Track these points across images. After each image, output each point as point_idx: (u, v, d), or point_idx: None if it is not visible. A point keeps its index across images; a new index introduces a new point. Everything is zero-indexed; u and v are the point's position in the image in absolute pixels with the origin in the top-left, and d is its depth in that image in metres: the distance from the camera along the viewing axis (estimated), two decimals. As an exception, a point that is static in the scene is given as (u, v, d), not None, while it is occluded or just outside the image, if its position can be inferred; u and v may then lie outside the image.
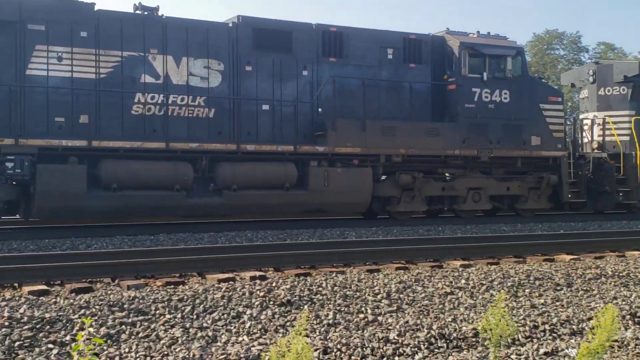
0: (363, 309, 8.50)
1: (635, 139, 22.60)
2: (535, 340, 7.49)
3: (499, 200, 21.74)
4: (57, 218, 16.89)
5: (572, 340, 7.60)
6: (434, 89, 20.56)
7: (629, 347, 7.60)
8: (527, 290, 9.97)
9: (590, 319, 8.10)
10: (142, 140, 16.58)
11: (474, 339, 7.24)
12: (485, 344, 6.26)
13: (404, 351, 6.87)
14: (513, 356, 6.70)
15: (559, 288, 10.34)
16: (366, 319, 8.00)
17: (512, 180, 21.24)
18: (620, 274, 11.40)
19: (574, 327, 8.18)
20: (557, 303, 9.26)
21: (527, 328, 7.78)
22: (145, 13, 17.21)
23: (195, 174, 17.04)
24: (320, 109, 18.77)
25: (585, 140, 24.39)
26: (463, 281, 10.30)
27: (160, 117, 17.03)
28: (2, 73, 15.43)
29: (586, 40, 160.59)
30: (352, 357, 6.60)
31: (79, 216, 16.78)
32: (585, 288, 10.39)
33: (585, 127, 24.52)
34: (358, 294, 9.28)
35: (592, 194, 22.61)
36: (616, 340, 7.75)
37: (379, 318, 8.08)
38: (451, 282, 10.18)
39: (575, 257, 13.17)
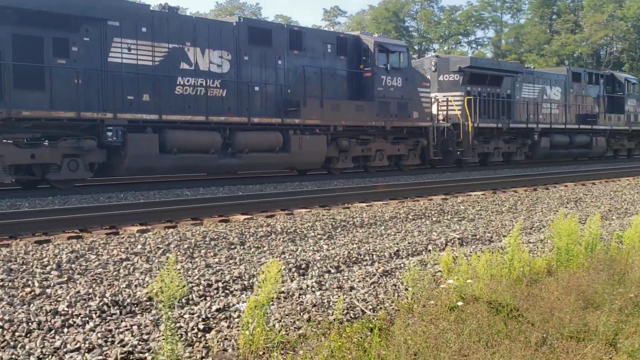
0: (30, 282, 7.82)
1: (467, 113, 30.34)
2: (208, 298, 7.66)
3: (390, 159, 28.49)
4: (139, 175, 21.88)
5: (243, 295, 7.94)
6: (353, 75, 26.91)
7: (294, 297, 8.22)
8: (202, 251, 10.17)
9: (259, 274, 8.52)
10: (187, 114, 21.24)
11: (148, 303, 7.13)
12: (159, 306, 6.18)
13: (74, 322, 6.48)
14: (186, 315, 6.76)
15: (232, 247, 10.75)
16: (33, 293, 7.38)
17: (400, 144, 28.49)
18: (288, 230, 12.29)
19: (245, 282, 8.58)
20: (231, 261, 9.61)
21: (201, 287, 7.92)
22: (168, 11, 21.50)
23: (221, 141, 21.82)
24: (289, 90, 24.33)
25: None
26: (139, 246, 10.11)
27: (193, 96, 21.70)
28: (91, 60, 19.22)
29: (266, 12, 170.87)
30: (17, 334, 6.02)
31: (153, 173, 21.87)
32: (257, 245, 10.97)
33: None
34: (24, 267, 8.53)
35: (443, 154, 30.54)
36: (282, 292, 8.32)
37: (48, 290, 7.51)
38: (127, 248, 9.92)
39: (249, 216, 13.83)
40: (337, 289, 8.71)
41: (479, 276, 7.79)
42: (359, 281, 9.11)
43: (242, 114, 22.59)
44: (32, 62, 17.87)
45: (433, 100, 30.62)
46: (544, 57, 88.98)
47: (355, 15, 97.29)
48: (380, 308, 7.92)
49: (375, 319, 7.42)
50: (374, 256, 10.53)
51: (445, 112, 31.02)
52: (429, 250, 11.10)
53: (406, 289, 8.33)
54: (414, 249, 11.19)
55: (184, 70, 21.58)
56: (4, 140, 17.57)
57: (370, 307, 8.02)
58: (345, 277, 9.27)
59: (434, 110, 30.53)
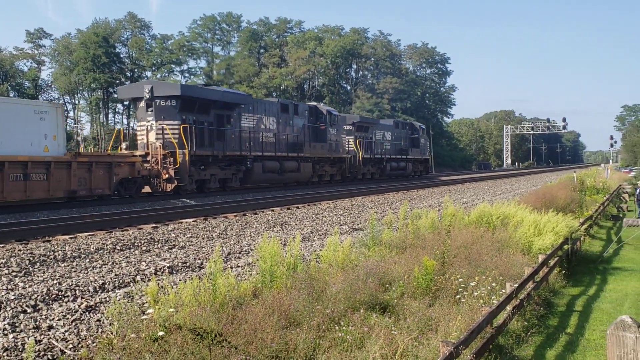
0: None
1: (184, 141, 29.76)
2: None
3: (331, 176, 45.91)
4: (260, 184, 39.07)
5: None
6: (316, 128, 42.93)
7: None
8: None
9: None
10: (269, 152, 36.97)
11: None
12: None
13: None
14: None
15: None
16: None
17: (334, 167, 46.02)
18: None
19: None
20: None
21: None
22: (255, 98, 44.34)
23: (279, 165, 38.05)
24: (297, 137, 40.47)
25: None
26: None
27: (267, 142, 37.13)
28: (236, 125, 34.40)
29: None
30: None
31: (261, 183, 38.89)
32: None
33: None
34: None
35: None
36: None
37: None
38: None
39: None
40: (33, 330, 7.96)
41: (186, 304, 7.72)
42: (59, 319, 8.44)
43: (283, 152, 38.51)
44: (221, 127, 32.94)
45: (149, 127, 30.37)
46: (254, 89, 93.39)
47: (61, 39, 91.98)
48: (82, 346, 7.41)
49: (76, 358, 6.92)
50: (77, 291, 9.87)
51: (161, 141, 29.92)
52: (137, 281, 10.73)
53: (110, 324, 7.93)
54: (121, 281, 10.73)
55: (263, 128, 36.82)
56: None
57: (70, 346, 7.46)
58: (44, 316, 8.52)
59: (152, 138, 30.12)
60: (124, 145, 32.55)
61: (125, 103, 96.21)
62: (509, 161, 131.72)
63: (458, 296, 9.65)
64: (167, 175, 28.89)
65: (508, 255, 12.81)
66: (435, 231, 14.63)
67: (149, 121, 30.15)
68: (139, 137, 31.06)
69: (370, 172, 50.79)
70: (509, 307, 9.24)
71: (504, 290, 9.71)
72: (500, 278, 10.40)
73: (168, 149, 29.36)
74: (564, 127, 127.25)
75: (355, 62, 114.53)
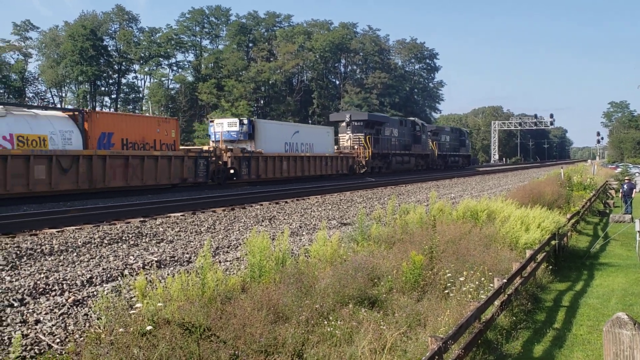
0: None
1: (367, 144, 51.61)
2: None
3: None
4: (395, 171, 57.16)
5: None
6: (414, 135, 62.03)
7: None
8: None
9: None
10: (396, 151, 58.11)
11: None
12: None
13: None
14: None
15: None
16: None
17: (422, 161, 65.43)
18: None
19: None
20: None
21: None
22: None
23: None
24: (406, 141, 60.24)
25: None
26: None
27: (394, 145, 57.48)
28: (383, 136, 54.76)
29: None
30: None
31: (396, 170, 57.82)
32: None
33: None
34: None
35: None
36: (-50, 333, 7.28)
37: None
38: None
39: None
40: (20, 324, 7.90)
41: (174, 298, 7.69)
42: (46, 313, 8.38)
43: (401, 150, 57.93)
44: (377, 136, 53.33)
45: (347, 138, 52.46)
46: (242, 83, 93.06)
47: (48, 31, 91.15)
48: (69, 340, 7.36)
49: (63, 352, 6.88)
50: (64, 285, 9.80)
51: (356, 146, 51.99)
52: (125, 276, 10.68)
53: (98, 318, 7.89)
54: (109, 275, 10.67)
55: (393, 136, 56.09)
56: None
57: (58, 340, 7.41)
58: (31, 310, 8.46)
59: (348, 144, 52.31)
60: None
61: (113, 96, 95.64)
62: (497, 157, 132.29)
63: (446, 291, 9.68)
64: (362, 163, 50.97)
65: (496, 250, 12.87)
66: (424, 226, 14.67)
67: (347, 134, 52.27)
68: (341, 142, 52.68)
69: (439, 164, 70.00)
70: (497, 302, 9.28)
71: (492, 285, 9.75)
72: (489, 273, 10.44)
73: (356, 150, 51.01)
74: (552, 123, 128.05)
75: (344, 57, 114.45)
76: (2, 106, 24.20)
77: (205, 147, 36.04)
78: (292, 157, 41.13)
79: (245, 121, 39.71)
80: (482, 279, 10.11)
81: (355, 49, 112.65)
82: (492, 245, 13.41)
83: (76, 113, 26.77)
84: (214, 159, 34.03)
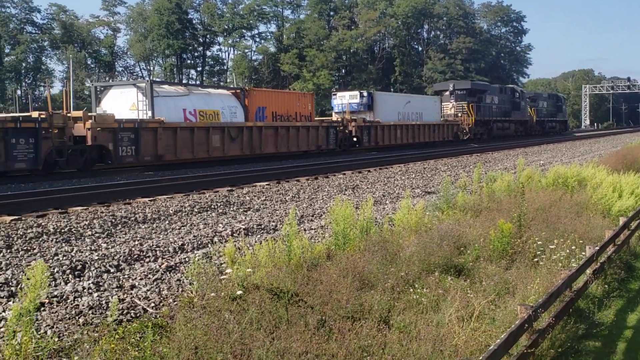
0: None
1: (470, 112, 53.81)
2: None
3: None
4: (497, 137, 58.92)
5: (11, 303, 7.23)
6: (513, 102, 63.97)
7: (68, 301, 7.67)
8: (-39, 258, 9.11)
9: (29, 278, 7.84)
10: (496, 117, 60.02)
11: None
12: None
13: None
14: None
15: (-2, 251, 9.77)
16: None
17: (518, 126, 66.31)
18: (62, 230, 11.47)
19: (12, 289, 7.84)
20: (-5, 267, 8.73)
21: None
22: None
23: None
24: (506, 107, 62.63)
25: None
26: None
27: (495, 112, 59.17)
28: (484, 102, 57.34)
29: (39, 1, 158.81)
30: None
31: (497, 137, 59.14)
32: (25, 248, 10.08)
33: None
34: None
35: None
36: (55, 296, 7.72)
37: None
38: None
39: (17, 217, 12.68)
40: (116, 289, 8.30)
41: (262, 264, 7.86)
42: (141, 279, 8.76)
43: (501, 117, 59.97)
44: (479, 104, 55.74)
45: (450, 106, 54.37)
46: (324, 52, 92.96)
47: (135, 6, 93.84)
48: (163, 305, 7.67)
49: (158, 316, 7.17)
50: (158, 252, 10.20)
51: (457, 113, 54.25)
52: (215, 243, 11.00)
53: (190, 284, 8.17)
54: (199, 242, 11.03)
55: (493, 104, 57.86)
56: None
57: (152, 304, 7.74)
58: (126, 276, 8.86)
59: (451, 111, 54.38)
60: None
61: (198, 69, 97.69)
62: (588, 122, 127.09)
63: (536, 259, 9.46)
64: (466, 130, 53.14)
65: (587, 218, 12.43)
66: (511, 194, 14.33)
67: (451, 102, 54.03)
68: (444, 110, 53.43)
69: (537, 129, 70.89)
70: (588, 271, 8.99)
71: (583, 254, 9.44)
72: (580, 241, 10.11)
73: (460, 118, 53.24)
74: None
75: (427, 22, 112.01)
76: (184, 87, 30.50)
77: (334, 118, 40.31)
78: (404, 125, 44.94)
79: (365, 94, 44.21)
80: (573, 247, 9.81)
81: (438, 14, 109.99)
82: (583, 213, 12.96)
83: (238, 91, 32.71)
84: (341, 128, 38.43)
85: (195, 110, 28.44)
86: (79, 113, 23.64)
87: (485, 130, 56.47)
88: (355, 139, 39.36)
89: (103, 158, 24.02)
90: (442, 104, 53.83)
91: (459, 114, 53.01)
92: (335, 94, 46.65)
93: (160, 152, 25.83)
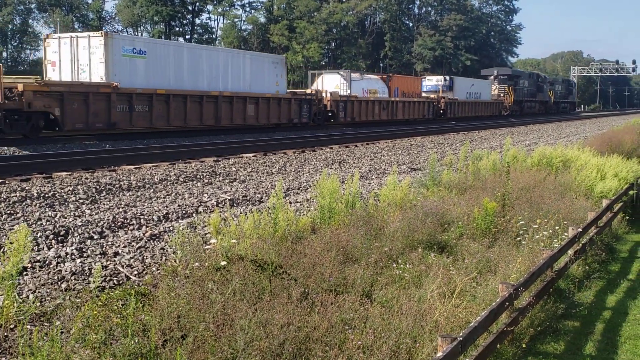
0: None
1: (510, 93, 68.03)
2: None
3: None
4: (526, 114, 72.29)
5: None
6: (538, 85, 78.93)
7: (51, 266, 7.64)
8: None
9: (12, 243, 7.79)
10: (526, 98, 74.19)
11: None
12: None
13: None
14: None
15: (-20, 214, 9.69)
16: None
17: (541, 106, 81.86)
18: (46, 195, 11.38)
19: (-7, 253, 7.80)
20: (-23, 230, 8.66)
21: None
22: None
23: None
24: (532, 90, 76.60)
25: None
26: None
27: (525, 93, 73.66)
28: (518, 85, 71.38)
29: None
30: None
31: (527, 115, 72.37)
32: (8, 212, 10.01)
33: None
34: None
35: None
36: (38, 261, 7.69)
37: None
38: None
39: (0, 180, 12.57)
40: (100, 256, 8.28)
41: (247, 236, 7.86)
42: (125, 246, 8.74)
43: (530, 98, 73.52)
44: (516, 87, 69.77)
45: (494, 87, 67.07)
46: (314, 25, 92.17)
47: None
48: (147, 273, 7.66)
49: (141, 284, 7.17)
50: (142, 220, 10.17)
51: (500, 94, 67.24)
52: (200, 213, 10.99)
53: (174, 253, 8.16)
54: (184, 212, 11.00)
55: (525, 87, 71.56)
56: None
57: (135, 272, 7.73)
58: (110, 243, 8.84)
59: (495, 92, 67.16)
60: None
61: (187, 37, 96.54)
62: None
63: (519, 239, 9.54)
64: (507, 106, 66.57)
65: (571, 199, 12.53)
66: (496, 173, 14.40)
67: (495, 85, 66.88)
68: (493, 91, 66.47)
69: (554, 109, 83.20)
70: (570, 251, 9.09)
71: (566, 234, 9.53)
72: (564, 222, 10.20)
73: (502, 98, 66.96)
74: (634, 70, 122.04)
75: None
76: (359, 73, 45.82)
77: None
78: (468, 102, 57.93)
79: (447, 78, 58.41)
80: (556, 227, 9.90)
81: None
82: (567, 194, 13.06)
83: (384, 76, 47.59)
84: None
85: (366, 89, 43.01)
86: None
87: (519, 108, 70.36)
88: (441, 112, 52.52)
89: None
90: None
91: (502, 94, 67.53)
92: (424, 77, 59.61)
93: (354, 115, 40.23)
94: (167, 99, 25.93)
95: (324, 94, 37.80)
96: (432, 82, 56.65)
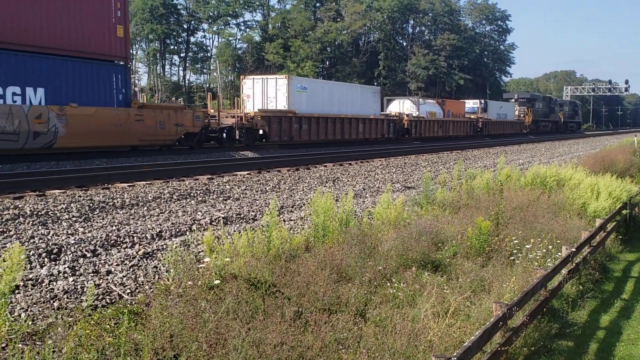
0: None
1: (528, 113, 79.70)
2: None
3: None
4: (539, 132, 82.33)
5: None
6: (550, 107, 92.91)
7: (43, 284, 7.60)
8: None
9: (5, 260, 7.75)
10: (541, 118, 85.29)
11: None
12: None
13: None
14: None
15: (-28, 232, 9.64)
16: None
17: (553, 125, 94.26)
18: (39, 213, 11.34)
19: (-14, 271, 7.75)
20: (-31, 248, 8.61)
21: None
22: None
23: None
24: (545, 111, 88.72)
25: None
26: None
27: (540, 113, 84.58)
28: (534, 107, 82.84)
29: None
30: None
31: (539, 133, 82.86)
32: (1, 229, 9.96)
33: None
34: None
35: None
36: (30, 279, 7.65)
37: None
38: None
39: (-7, 198, 12.53)
40: (92, 274, 8.23)
41: (240, 254, 7.84)
42: (118, 265, 8.70)
43: (544, 118, 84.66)
44: (532, 108, 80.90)
45: (515, 109, 77.91)
46: (308, 43, 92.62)
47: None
48: (139, 291, 7.63)
49: (134, 302, 7.13)
50: (135, 238, 10.14)
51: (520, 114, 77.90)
52: (193, 230, 10.96)
53: (167, 271, 8.13)
54: (177, 230, 10.97)
55: (540, 108, 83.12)
56: None
57: (128, 291, 7.69)
58: (103, 261, 8.80)
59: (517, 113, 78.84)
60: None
61: (182, 55, 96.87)
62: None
63: (512, 258, 9.54)
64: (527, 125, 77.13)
65: (564, 218, 12.56)
66: (490, 192, 14.44)
67: (516, 106, 77.15)
68: (515, 112, 77.24)
69: (562, 128, 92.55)
70: (564, 271, 9.09)
71: (559, 254, 9.54)
72: (557, 241, 10.22)
73: (522, 118, 77.17)
74: (626, 90, 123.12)
75: (413, 18, 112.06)
76: (422, 99, 54.90)
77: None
78: (497, 122, 68.74)
79: (483, 101, 69.38)
80: (550, 246, 9.91)
81: (424, 10, 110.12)
82: (560, 213, 13.10)
83: (440, 101, 58.71)
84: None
85: (428, 111, 52.90)
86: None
87: (535, 127, 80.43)
88: (479, 129, 63.28)
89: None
90: None
91: (522, 115, 77.94)
92: (464, 101, 69.28)
93: (422, 132, 50.39)
94: (317, 120, 37.48)
95: (404, 116, 49.67)
96: (469, 104, 68.64)
